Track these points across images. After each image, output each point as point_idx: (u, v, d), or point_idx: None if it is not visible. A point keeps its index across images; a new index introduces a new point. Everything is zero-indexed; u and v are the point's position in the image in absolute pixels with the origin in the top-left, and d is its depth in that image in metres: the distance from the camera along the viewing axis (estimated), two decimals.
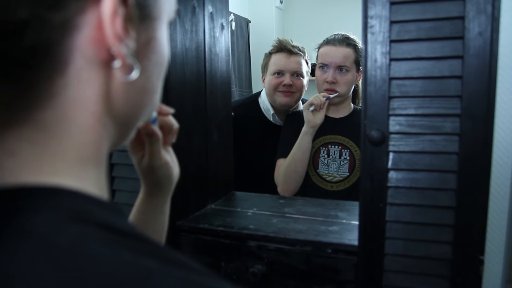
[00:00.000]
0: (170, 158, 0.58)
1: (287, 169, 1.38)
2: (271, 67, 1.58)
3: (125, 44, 0.29)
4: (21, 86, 0.27)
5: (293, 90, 1.55)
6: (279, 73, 1.56)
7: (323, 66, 1.40)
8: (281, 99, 1.56)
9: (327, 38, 1.44)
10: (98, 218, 0.26)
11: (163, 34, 0.35)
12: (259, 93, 1.72)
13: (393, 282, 0.76)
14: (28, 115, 0.28)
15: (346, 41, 1.38)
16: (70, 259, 0.22)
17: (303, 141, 1.36)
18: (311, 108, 1.34)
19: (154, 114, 0.53)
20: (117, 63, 0.30)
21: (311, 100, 1.36)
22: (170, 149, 0.59)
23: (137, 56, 0.31)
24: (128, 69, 0.31)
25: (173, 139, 0.58)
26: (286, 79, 1.54)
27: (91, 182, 0.30)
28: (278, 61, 1.56)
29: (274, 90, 1.56)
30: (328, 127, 1.38)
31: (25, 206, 0.25)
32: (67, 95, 0.29)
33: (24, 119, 0.28)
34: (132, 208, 0.59)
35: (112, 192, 0.99)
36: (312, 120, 1.35)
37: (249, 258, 0.91)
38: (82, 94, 0.29)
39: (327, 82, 1.38)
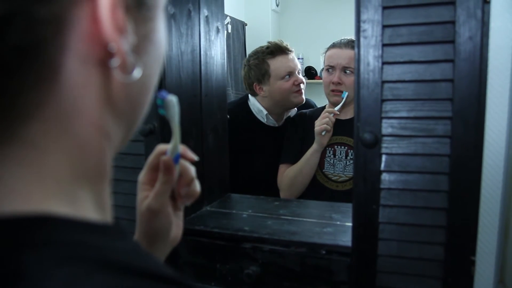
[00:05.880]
0: (175, 218, 0.52)
1: (293, 179, 1.42)
2: (278, 72, 1.53)
3: (125, 38, 0.25)
4: (3, 97, 0.23)
5: (302, 87, 1.57)
6: (289, 75, 1.54)
7: (329, 68, 1.44)
8: (297, 99, 1.56)
9: (333, 42, 1.47)
10: (94, 253, 0.22)
11: (161, 24, 0.31)
12: (246, 96, 1.67)
13: (386, 283, 0.77)
14: (13, 131, 0.24)
15: (351, 43, 1.41)
16: None
17: (312, 158, 1.40)
18: (324, 133, 1.37)
19: (180, 148, 0.48)
20: (115, 62, 0.26)
21: (324, 126, 1.36)
22: (180, 214, 0.54)
23: (136, 52, 0.27)
24: (128, 68, 0.26)
25: (188, 201, 0.52)
26: (298, 78, 1.55)
27: (90, 204, 0.26)
28: (283, 64, 1.54)
29: (289, 93, 1.54)
30: (335, 128, 1.40)
31: (9, 243, 0.21)
32: (60, 104, 0.24)
33: (7, 136, 0.24)
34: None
35: None
36: (324, 142, 1.39)
37: (244, 259, 0.91)
38: (78, 101, 0.25)
39: (333, 83, 1.41)
